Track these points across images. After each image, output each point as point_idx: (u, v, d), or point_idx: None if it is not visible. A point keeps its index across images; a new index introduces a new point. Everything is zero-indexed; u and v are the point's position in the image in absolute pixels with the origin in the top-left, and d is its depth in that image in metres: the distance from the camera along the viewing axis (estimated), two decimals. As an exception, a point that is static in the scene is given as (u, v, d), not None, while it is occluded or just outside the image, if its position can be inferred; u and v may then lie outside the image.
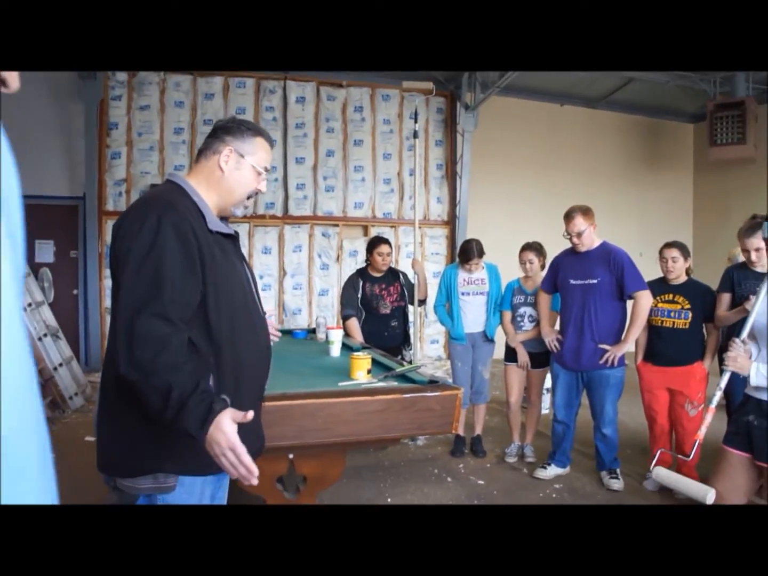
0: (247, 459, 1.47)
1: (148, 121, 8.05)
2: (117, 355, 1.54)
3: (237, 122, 1.87)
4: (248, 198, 1.89)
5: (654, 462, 3.31)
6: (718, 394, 2.91)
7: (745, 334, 2.79)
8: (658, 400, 4.09)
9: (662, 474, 3.11)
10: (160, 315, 1.53)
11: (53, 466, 0.44)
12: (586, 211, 4.01)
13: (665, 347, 4.01)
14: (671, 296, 4.01)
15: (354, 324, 4.58)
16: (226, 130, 1.84)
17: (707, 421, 2.92)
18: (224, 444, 1.46)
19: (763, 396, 2.74)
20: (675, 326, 3.98)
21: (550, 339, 4.26)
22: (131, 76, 7.99)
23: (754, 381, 2.73)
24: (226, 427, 1.47)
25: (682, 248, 4.04)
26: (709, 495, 2.71)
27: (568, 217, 4.02)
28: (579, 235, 3.98)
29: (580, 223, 3.97)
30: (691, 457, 3.17)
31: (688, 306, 3.95)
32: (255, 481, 1.48)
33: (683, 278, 4.04)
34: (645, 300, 3.95)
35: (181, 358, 1.53)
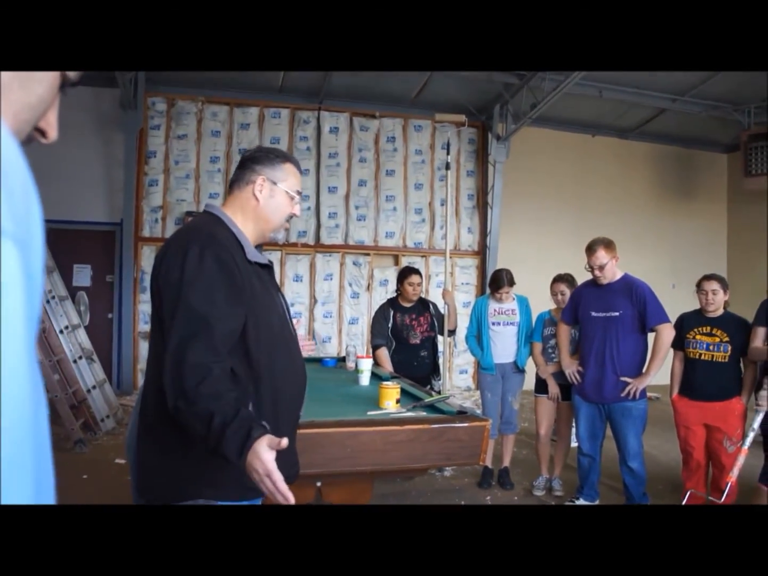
0: (283, 486, 1.47)
1: (185, 149, 8.24)
2: (164, 385, 1.57)
3: (264, 151, 1.91)
4: (287, 223, 1.92)
5: (684, 503, 3.24)
6: (751, 435, 2.85)
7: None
8: (695, 436, 4.02)
9: None
10: (205, 346, 1.57)
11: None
12: (608, 244, 4.00)
13: (703, 381, 3.95)
14: (709, 329, 3.96)
15: (384, 353, 4.59)
16: (255, 160, 1.87)
17: (740, 463, 2.86)
18: (261, 471, 1.47)
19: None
20: (714, 359, 3.92)
21: (571, 371, 4.23)
22: (170, 105, 8.20)
23: None
24: (262, 455, 1.47)
25: (721, 281, 4.00)
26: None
27: (590, 249, 4.01)
28: (601, 268, 3.98)
29: (602, 256, 3.96)
30: (722, 500, 3.09)
31: (727, 339, 3.89)
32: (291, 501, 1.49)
33: (721, 311, 3.99)
34: (667, 333, 3.92)
35: (222, 386, 1.55)
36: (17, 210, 0.44)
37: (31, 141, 0.61)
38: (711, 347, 3.93)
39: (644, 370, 4.00)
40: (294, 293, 8.42)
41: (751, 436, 2.84)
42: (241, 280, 1.69)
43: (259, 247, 1.93)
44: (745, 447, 2.84)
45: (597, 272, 4.01)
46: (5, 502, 0.41)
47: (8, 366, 0.41)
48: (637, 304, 3.93)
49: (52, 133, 0.64)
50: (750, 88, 7.92)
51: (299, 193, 1.92)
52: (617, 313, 3.97)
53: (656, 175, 10.26)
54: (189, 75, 7.83)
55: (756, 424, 2.83)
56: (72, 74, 0.62)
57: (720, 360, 3.90)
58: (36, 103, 0.59)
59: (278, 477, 1.47)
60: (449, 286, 5.04)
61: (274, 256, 8.22)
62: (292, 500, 1.48)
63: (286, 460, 1.81)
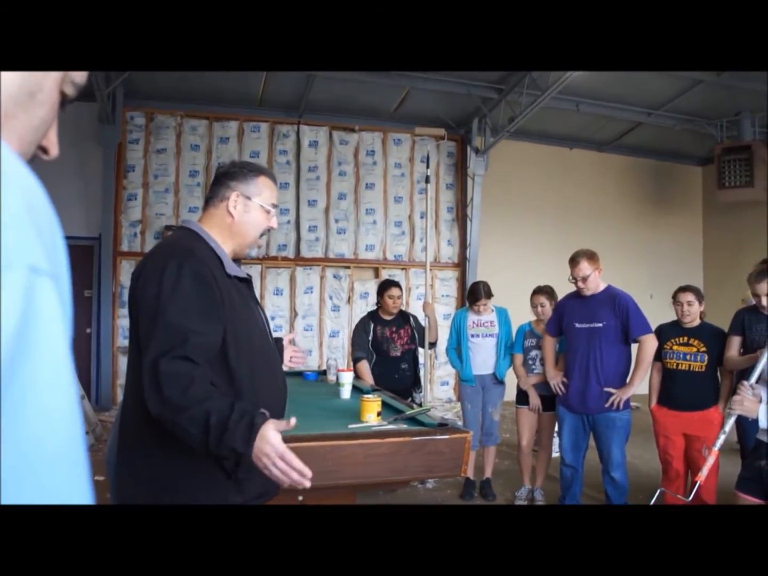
0: (298, 463, 1.49)
1: (164, 163, 8.20)
2: (146, 399, 1.56)
3: (238, 165, 1.91)
4: (261, 236, 1.92)
5: (653, 500, 3.27)
6: (722, 437, 2.89)
7: (754, 378, 2.78)
8: (674, 445, 4.06)
9: None
10: (183, 357, 1.56)
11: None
12: (591, 256, 4.04)
13: (681, 391, 3.99)
14: (686, 339, 4.01)
15: (364, 366, 4.59)
16: (229, 175, 1.87)
17: (709, 463, 2.90)
18: (272, 453, 1.48)
19: (775, 441, 2.71)
20: (691, 369, 3.97)
21: (555, 382, 4.26)
22: (149, 120, 8.18)
23: (764, 424, 2.71)
24: (271, 438, 1.49)
25: (696, 292, 4.06)
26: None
27: (573, 261, 4.05)
28: (584, 279, 4.01)
29: (585, 267, 4.00)
30: (690, 498, 3.12)
31: (704, 349, 3.94)
32: (308, 484, 1.49)
33: (697, 321, 4.04)
34: (650, 343, 3.96)
35: (207, 388, 1.56)
36: (47, 245, 0.46)
37: (33, 159, 0.63)
38: (688, 357, 3.98)
39: (628, 380, 4.04)
40: (274, 306, 8.40)
41: (721, 438, 2.87)
42: (220, 295, 1.68)
43: (238, 261, 1.93)
44: (715, 449, 2.87)
45: (580, 284, 4.04)
46: (72, 501, 0.45)
47: (68, 392, 0.46)
48: (620, 315, 3.97)
49: (54, 150, 0.67)
50: (723, 103, 8.09)
51: (275, 206, 1.91)
52: (600, 324, 4.00)
53: (633, 187, 10.39)
54: (167, 89, 7.82)
55: (727, 427, 2.87)
56: (70, 92, 0.64)
57: (697, 369, 3.95)
58: (39, 125, 0.61)
59: (291, 456, 1.49)
60: (429, 298, 5.08)
61: (254, 270, 8.19)
62: (309, 474, 1.50)
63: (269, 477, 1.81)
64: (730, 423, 2.87)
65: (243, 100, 8.23)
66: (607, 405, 3.97)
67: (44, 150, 0.66)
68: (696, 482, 2.97)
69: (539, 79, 6.94)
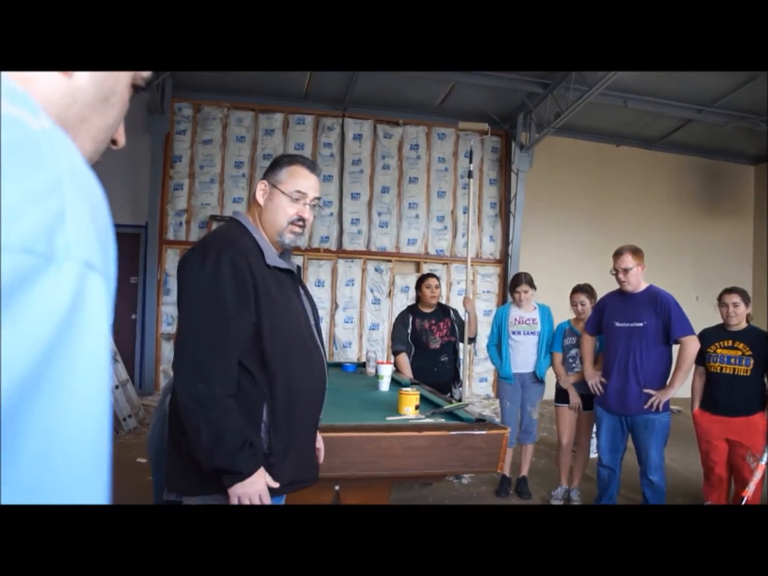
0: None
1: (210, 154, 8.33)
2: (177, 382, 1.66)
3: (279, 156, 1.97)
4: (296, 226, 1.87)
5: None
6: None
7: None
8: (717, 451, 3.98)
9: None
10: (220, 349, 1.67)
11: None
12: (636, 251, 3.98)
13: (725, 395, 3.91)
14: (731, 342, 3.92)
15: (404, 359, 4.60)
16: (268, 166, 1.95)
17: (756, 478, 2.83)
18: (261, 497, 1.67)
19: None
20: (735, 373, 3.88)
21: (594, 382, 4.21)
22: (196, 111, 8.31)
23: None
24: (266, 484, 1.69)
25: (742, 294, 3.96)
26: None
27: (618, 253, 4.00)
28: (626, 271, 3.94)
29: (628, 260, 3.94)
30: None
31: (749, 353, 3.85)
32: None
33: (743, 324, 3.95)
34: (692, 345, 3.87)
35: (233, 408, 1.68)
36: (103, 246, 0.49)
37: (104, 153, 0.66)
38: (733, 360, 3.89)
39: (668, 382, 3.97)
40: (316, 298, 8.38)
41: None
42: (254, 285, 1.74)
43: (288, 252, 1.95)
44: (762, 463, 2.80)
45: (621, 276, 3.97)
46: (88, 493, 0.45)
47: (102, 390, 0.47)
48: (661, 315, 3.90)
49: (122, 140, 0.69)
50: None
51: (300, 192, 1.87)
52: (641, 324, 3.94)
53: (681, 186, 10.16)
54: (215, 81, 7.93)
55: None
56: (141, 83, 0.66)
57: (742, 374, 3.86)
58: (112, 124, 0.63)
59: (267, 502, 1.70)
60: (470, 294, 5.07)
61: (296, 261, 8.23)
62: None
63: (303, 464, 1.85)
64: None
65: (288, 92, 8.29)
66: (646, 406, 3.91)
67: (113, 141, 0.69)
68: (743, 497, 2.90)
69: (586, 75, 6.84)
